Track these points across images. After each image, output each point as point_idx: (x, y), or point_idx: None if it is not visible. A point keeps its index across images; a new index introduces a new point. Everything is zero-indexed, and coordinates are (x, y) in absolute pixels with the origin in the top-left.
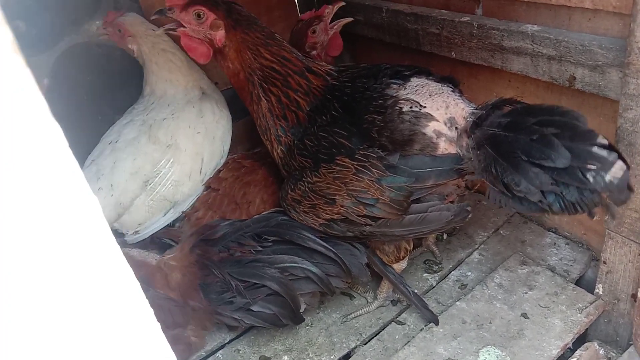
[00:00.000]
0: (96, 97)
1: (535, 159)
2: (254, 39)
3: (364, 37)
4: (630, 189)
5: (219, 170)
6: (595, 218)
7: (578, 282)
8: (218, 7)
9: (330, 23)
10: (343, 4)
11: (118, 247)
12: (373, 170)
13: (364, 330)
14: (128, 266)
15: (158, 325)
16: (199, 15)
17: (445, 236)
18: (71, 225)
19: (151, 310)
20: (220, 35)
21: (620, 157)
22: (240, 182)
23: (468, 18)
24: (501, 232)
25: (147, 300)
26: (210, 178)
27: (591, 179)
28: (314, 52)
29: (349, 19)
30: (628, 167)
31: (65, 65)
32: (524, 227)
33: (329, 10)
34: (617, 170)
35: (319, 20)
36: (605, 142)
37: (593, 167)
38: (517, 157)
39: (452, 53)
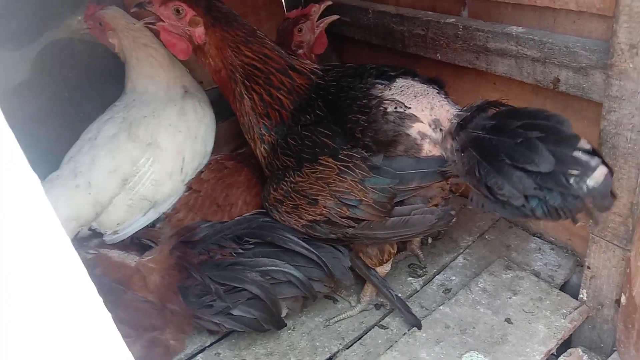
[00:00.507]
0: (77, 94)
1: (519, 162)
2: (234, 37)
3: (350, 38)
4: (613, 195)
5: (201, 172)
6: (579, 224)
7: (563, 288)
8: (197, 3)
9: (316, 22)
10: (330, 3)
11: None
12: (356, 170)
13: (347, 335)
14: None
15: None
16: (178, 11)
17: (430, 240)
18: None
19: (107, 315)
20: (199, 32)
21: (604, 163)
22: (222, 183)
23: (453, 19)
24: (486, 236)
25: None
26: (192, 179)
27: (574, 185)
28: (300, 51)
29: (335, 17)
30: (611, 172)
31: (46, 60)
32: (509, 232)
33: (316, 9)
34: (599, 175)
35: (305, 19)
36: (589, 147)
37: (576, 172)
38: (501, 160)
39: (438, 55)
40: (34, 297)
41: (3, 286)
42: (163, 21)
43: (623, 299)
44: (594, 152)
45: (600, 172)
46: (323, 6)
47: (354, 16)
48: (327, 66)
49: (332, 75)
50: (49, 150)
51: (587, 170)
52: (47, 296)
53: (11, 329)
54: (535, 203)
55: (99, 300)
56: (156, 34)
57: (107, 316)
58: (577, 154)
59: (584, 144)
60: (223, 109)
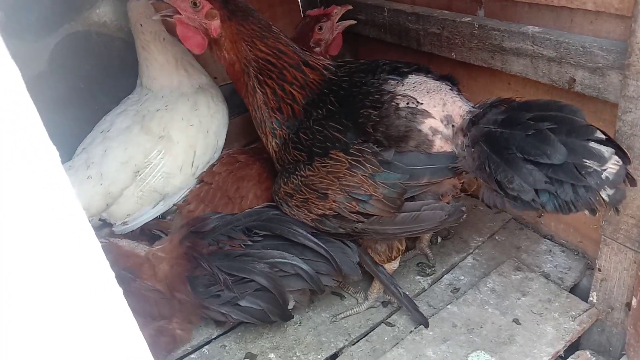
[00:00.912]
0: (93, 86)
1: (530, 155)
2: (250, 31)
3: (365, 36)
4: (632, 181)
5: (213, 165)
6: (589, 223)
7: (572, 290)
8: None
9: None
10: (351, 7)
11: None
12: (367, 165)
13: (353, 331)
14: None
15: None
16: (195, 4)
17: (439, 239)
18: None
19: (125, 304)
20: (215, 25)
21: (619, 151)
22: (233, 176)
23: (469, 18)
24: (496, 237)
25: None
26: (203, 172)
27: (587, 176)
28: (318, 49)
29: (353, 22)
30: (628, 160)
31: (64, 52)
32: (520, 233)
33: (337, 11)
34: (613, 165)
35: (327, 19)
36: (603, 136)
37: (589, 163)
38: (512, 153)
39: (453, 54)
40: (55, 280)
41: (28, 268)
42: (180, 14)
43: (634, 302)
44: (609, 142)
45: (613, 162)
46: (344, 9)
47: (369, 14)
48: (340, 62)
49: (344, 71)
50: (63, 141)
51: (601, 161)
52: (69, 279)
53: (37, 309)
54: (546, 198)
55: (116, 285)
56: (172, 26)
57: (123, 302)
58: (591, 144)
59: (598, 133)
60: (236, 105)
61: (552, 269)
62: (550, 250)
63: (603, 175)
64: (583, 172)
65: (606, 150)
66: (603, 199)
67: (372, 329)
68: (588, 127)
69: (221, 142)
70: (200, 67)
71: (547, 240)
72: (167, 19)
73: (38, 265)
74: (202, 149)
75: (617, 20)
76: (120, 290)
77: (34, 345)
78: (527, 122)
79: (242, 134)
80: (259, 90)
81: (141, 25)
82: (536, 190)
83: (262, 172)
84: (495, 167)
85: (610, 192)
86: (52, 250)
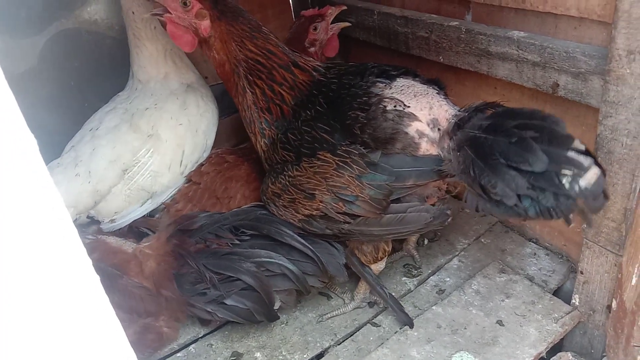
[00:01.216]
0: (83, 84)
1: (512, 162)
2: (239, 31)
3: (355, 39)
4: (605, 195)
5: (202, 164)
6: (573, 226)
7: (556, 293)
8: None
9: (330, 24)
10: (345, 7)
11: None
12: (354, 166)
13: (339, 331)
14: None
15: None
16: (185, 3)
17: (425, 241)
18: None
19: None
20: (205, 25)
21: (597, 163)
22: (222, 176)
23: (457, 22)
24: (482, 240)
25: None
26: (191, 171)
27: (567, 185)
28: (312, 49)
29: (347, 24)
30: (604, 172)
31: (53, 49)
32: (505, 236)
33: (332, 11)
34: (592, 176)
35: (321, 19)
36: (582, 147)
37: (569, 172)
38: (495, 159)
39: (440, 57)
40: (38, 276)
41: (11, 265)
42: (170, 13)
43: (614, 304)
44: (587, 153)
45: (593, 172)
46: (338, 10)
47: (359, 17)
48: (330, 64)
49: (333, 72)
50: (52, 139)
51: (580, 170)
52: (50, 275)
53: (18, 304)
54: (528, 203)
55: (97, 281)
56: (163, 25)
57: (104, 298)
58: (571, 154)
59: (577, 144)
60: (226, 105)
61: (537, 271)
62: (535, 253)
63: (582, 184)
64: (563, 180)
65: (585, 160)
66: (582, 206)
67: (357, 329)
68: (568, 137)
69: (210, 142)
70: (190, 63)
71: (532, 243)
72: (158, 17)
73: (22, 260)
74: (191, 148)
75: (599, 26)
76: (99, 285)
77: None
78: (511, 130)
79: (233, 134)
80: (248, 91)
81: (133, 13)
82: (519, 196)
83: (251, 172)
84: (480, 172)
85: (590, 200)
86: (34, 243)
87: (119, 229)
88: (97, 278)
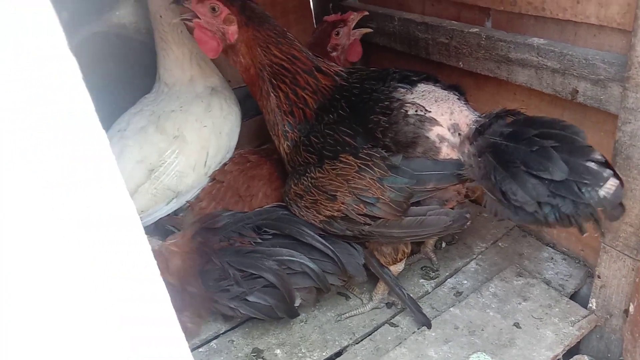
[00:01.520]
0: (111, 86)
1: (533, 170)
2: (265, 37)
3: (375, 44)
4: (622, 206)
5: (225, 164)
6: (586, 234)
7: (573, 297)
8: (232, 2)
9: (352, 30)
10: (367, 13)
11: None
12: (375, 169)
13: (357, 330)
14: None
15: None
16: (213, 9)
17: (443, 245)
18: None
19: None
20: (232, 30)
21: (615, 174)
22: (244, 175)
23: (477, 29)
24: (499, 244)
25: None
26: (215, 170)
27: (586, 194)
28: (335, 54)
29: (369, 30)
30: (622, 183)
31: (83, 53)
32: (523, 240)
33: (354, 17)
34: (610, 186)
35: (343, 24)
36: (602, 158)
37: (588, 182)
38: (517, 166)
39: (460, 63)
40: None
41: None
42: (199, 18)
43: (631, 309)
44: (606, 164)
45: (612, 183)
46: (360, 15)
47: (380, 23)
48: (352, 69)
49: (355, 77)
50: None
51: (599, 180)
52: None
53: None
54: (548, 209)
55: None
56: (189, 30)
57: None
58: (590, 164)
59: (597, 155)
60: (248, 108)
61: (554, 275)
62: (552, 258)
63: (601, 194)
64: (583, 190)
65: (604, 171)
66: (600, 216)
67: (376, 329)
68: (589, 148)
69: (233, 143)
70: (215, 67)
71: (549, 248)
72: (187, 22)
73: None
74: (215, 149)
75: (619, 34)
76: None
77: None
78: (532, 139)
79: (255, 135)
80: (272, 94)
81: (160, 16)
82: (539, 203)
83: (272, 172)
84: (501, 179)
85: (607, 209)
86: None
87: (145, 226)
88: (156, 264)
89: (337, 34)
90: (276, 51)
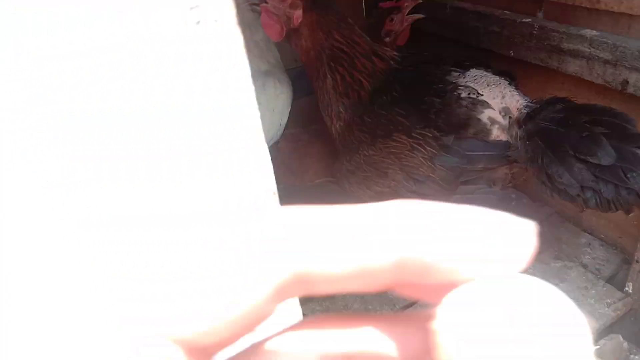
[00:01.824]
0: None
1: (581, 154)
2: (328, 21)
3: (424, 31)
4: None
5: (277, 142)
6: (630, 218)
7: (609, 281)
8: None
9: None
10: (420, 0)
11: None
12: (427, 148)
13: (398, 301)
14: None
15: None
16: None
17: None
18: None
19: None
20: (298, 14)
21: None
22: (297, 152)
23: (529, 19)
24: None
25: None
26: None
27: (631, 179)
28: (388, 39)
29: (421, 16)
30: None
31: None
32: (561, 226)
33: (408, 4)
34: None
35: (397, 11)
36: None
37: (634, 167)
38: (565, 151)
39: (511, 51)
40: None
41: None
42: (266, 2)
43: None
44: None
45: None
46: (415, 2)
47: (431, 10)
48: (406, 54)
49: (409, 61)
50: None
51: None
52: None
53: None
54: (590, 194)
55: None
56: (257, 15)
57: None
58: (639, 151)
59: None
60: (298, 89)
61: (590, 260)
62: (590, 244)
63: None
64: (628, 175)
65: None
66: None
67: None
68: (638, 136)
69: (284, 121)
70: (274, 47)
71: (587, 234)
72: (255, 7)
73: None
74: (268, 125)
75: None
76: None
77: None
78: (582, 124)
79: (303, 115)
80: (329, 76)
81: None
82: (582, 187)
83: (322, 150)
84: (548, 162)
85: None
86: None
87: None
88: None
89: (392, 20)
90: (337, 35)
